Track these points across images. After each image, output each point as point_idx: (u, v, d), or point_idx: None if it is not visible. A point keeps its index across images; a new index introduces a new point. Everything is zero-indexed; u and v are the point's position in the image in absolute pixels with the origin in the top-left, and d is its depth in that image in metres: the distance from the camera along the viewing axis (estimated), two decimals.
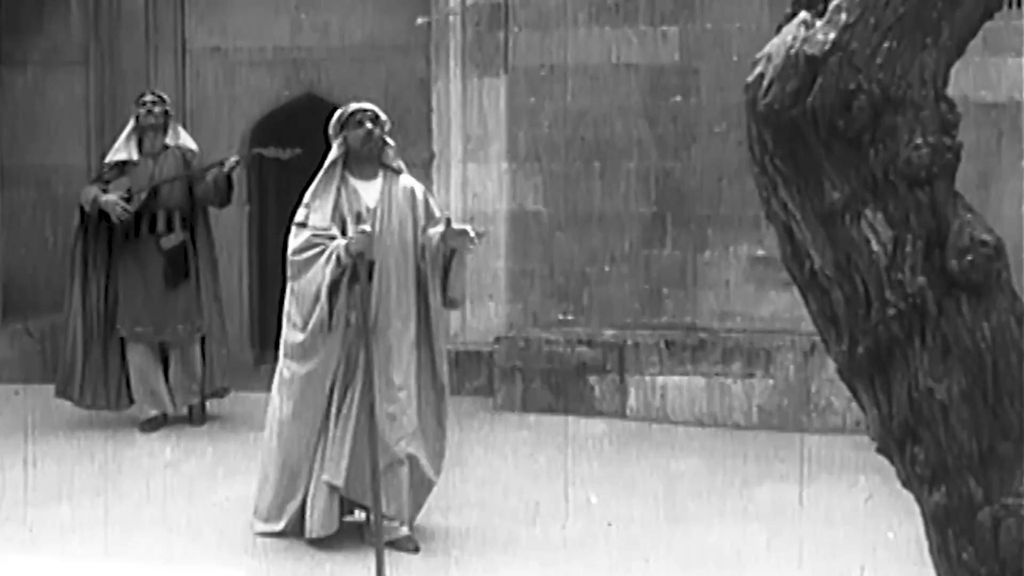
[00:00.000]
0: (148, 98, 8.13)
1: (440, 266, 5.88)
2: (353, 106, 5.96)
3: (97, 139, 9.64)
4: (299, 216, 5.85)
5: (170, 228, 7.99)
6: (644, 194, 8.66)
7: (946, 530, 2.42)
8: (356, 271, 5.63)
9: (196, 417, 8.18)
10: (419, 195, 6.00)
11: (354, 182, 5.88)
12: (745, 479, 6.99)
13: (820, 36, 2.39)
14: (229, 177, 7.96)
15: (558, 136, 8.74)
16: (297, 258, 5.80)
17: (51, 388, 8.22)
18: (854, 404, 2.63)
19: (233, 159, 7.99)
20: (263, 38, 9.78)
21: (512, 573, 5.68)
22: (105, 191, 7.88)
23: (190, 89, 9.84)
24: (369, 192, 5.88)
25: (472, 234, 5.82)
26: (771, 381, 8.34)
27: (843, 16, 2.38)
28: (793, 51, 2.40)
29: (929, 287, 2.37)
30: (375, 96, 9.58)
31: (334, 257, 5.67)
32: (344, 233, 5.73)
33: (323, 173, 5.86)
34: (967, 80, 7.62)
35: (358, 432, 5.70)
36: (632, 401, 8.51)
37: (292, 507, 5.93)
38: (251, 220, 9.82)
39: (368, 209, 5.79)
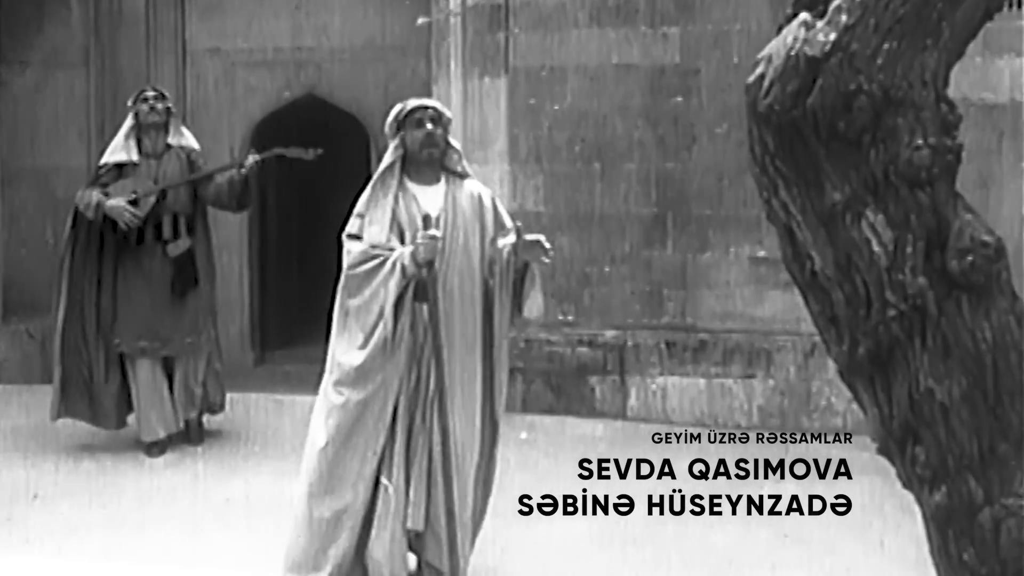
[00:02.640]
0: (149, 94, 7.58)
1: (510, 281, 5.22)
2: (412, 103, 5.28)
3: (97, 140, 9.64)
4: (351, 227, 5.16)
5: (176, 233, 7.51)
6: (644, 195, 8.66)
7: (946, 530, 2.42)
8: (421, 283, 5.00)
9: (194, 435, 7.71)
10: (487, 202, 5.32)
11: (413, 188, 5.20)
12: (746, 480, 6.99)
13: (821, 37, 2.39)
14: (247, 179, 7.45)
15: (559, 137, 8.74)
16: (355, 272, 5.08)
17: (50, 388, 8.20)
18: (855, 405, 2.63)
19: (252, 159, 7.43)
20: (263, 38, 9.77)
21: (512, 573, 5.68)
22: (107, 195, 7.36)
23: (190, 90, 9.83)
24: (430, 199, 5.19)
25: (547, 245, 5.10)
26: (771, 382, 8.34)
27: (844, 17, 2.38)
28: (794, 52, 2.40)
29: (930, 288, 2.38)
30: (375, 96, 9.63)
31: (398, 267, 4.99)
32: (404, 244, 5.08)
33: (377, 178, 5.20)
34: (967, 81, 7.62)
35: (432, 469, 5.08)
36: (632, 402, 8.52)
37: (337, 552, 5.11)
38: (251, 220, 9.82)
39: (424, 215, 5.10)
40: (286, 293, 10.56)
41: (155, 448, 7.52)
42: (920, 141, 2.38)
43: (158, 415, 7.51)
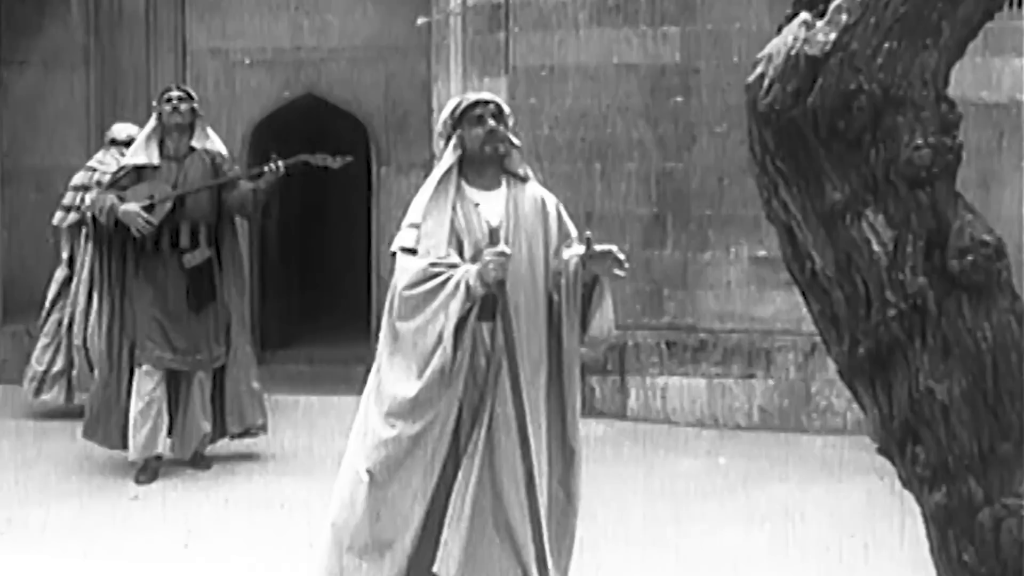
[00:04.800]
0: (174, 94, 7.14)
1: (578, 297, 4.59)
2: (471, 97, 4.76)
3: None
4: (405, 239, 4.55)
5: (195, 243, 7.03)
6: (645, 194, 8.66)
7: (946, 530, 2.42)
8: (487, 304, 4.45)
9: (199, 460, 7.23)
10: (551, 208, 4.71)
11: (472, 193, 4.61)
12: (746, 480, 6.99)
13: (821, 37, 2.39)
14: (268, 188, 7.07)
15: (559, 136, 8.73)
16: (413, 292, 4.44)
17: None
18: (855, 405, 2.63)
19: (279, 165, 6.98)
20: (263, 38, 9.78)
21: None
22: (122, 199, 6.91)
23: (190, 90, 9.83)
24: (491, 206, 4.60)
25: (621, 256, 4.48)
26: (771, 382, 8.34)
27: (844, 17, 2.38)
28: (794, 52, 2.40)
29: (930, 287, 2.38)
30: (375, 96, 9.63)
31: (463, 287, 4.38)
32: (463, 257, 4.51)
33: (434, 184, 4.60)
34: (967, 80, 7.62)
35: (483, 509, 4.49)
36: (633, 402, 8.52)
37: None
38: (251, 220, 9.81)
39: (491, 227, 4.52)
40: (286, 293, 10.56)
41: (144, 475, 7.03)
42: (920, 140, 2.38)
43: (151, 436, 7.00)
